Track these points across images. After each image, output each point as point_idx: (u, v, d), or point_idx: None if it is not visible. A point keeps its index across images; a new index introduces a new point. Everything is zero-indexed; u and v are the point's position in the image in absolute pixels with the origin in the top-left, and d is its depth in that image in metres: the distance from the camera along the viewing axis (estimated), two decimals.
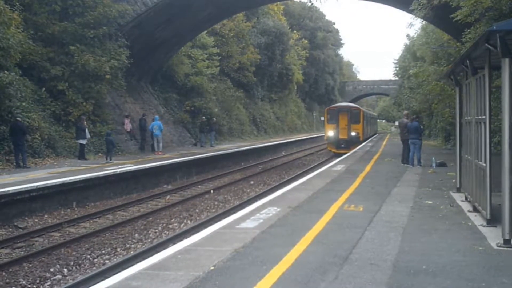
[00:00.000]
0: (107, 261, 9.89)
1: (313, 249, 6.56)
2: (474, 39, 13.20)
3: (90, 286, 6.22)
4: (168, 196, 17.39)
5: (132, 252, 10.29)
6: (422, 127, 19.50)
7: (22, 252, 10.39)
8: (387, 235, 7.39)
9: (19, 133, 16.84)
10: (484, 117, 7.64)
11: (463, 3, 15.02)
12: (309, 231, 7.58)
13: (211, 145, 30.16)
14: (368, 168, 17.38)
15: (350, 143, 32.32)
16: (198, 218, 13.90)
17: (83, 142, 20.02)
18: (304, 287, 5.13)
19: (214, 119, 31.95)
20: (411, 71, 36.65)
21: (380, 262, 5.98)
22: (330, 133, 33.30)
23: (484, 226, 7.84)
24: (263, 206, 9.86)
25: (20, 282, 8.66)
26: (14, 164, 16.99)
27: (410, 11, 20.30)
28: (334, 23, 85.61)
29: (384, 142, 37.46)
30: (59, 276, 9.00)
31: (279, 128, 54.25)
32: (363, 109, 38.93)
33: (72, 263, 9.74)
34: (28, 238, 11.33)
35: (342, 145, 32.32)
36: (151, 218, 13.75)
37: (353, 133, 33.09)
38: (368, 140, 39.38)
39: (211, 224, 9.87)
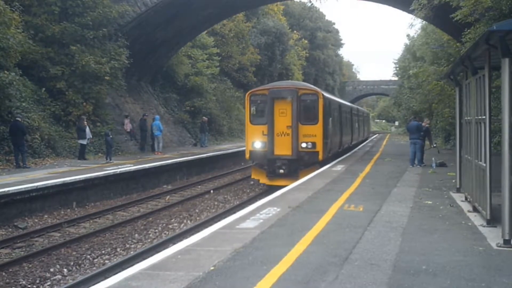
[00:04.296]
0: (107, 261, 9.90)
1: (313, 249, 6.56)
2: (474, 39, 13.24)
3: (90, 286, 6.22)
4: (168, 196, 17.39)
5: (132, 252, 10.30)
6: (428, 127, 19.37)
7: (22, 252, 10.40)
8: (387, 235, 7.38)
9: (19, 133, 16.83)
10: (484, 117, 7.64)
11: (463, 3, 15.03)
12: (309, 231, 7.58)
13: (205, 145, 29.61)
14: (368, 168, 17.37)
15: (299, 164, 17.37)
16: (198, 218, 13.90)
17: (83, 142, 20.01)
18: (305, 287, 5.13)
19: (205, 118, 30.64)
20: (411, 71, 36.67)
21: (380, 262, 5.98)
22: (257, 144, 17.64)
23: (484, 226, 7.84)
24: (263, 206, 9.85)
25: (20, 282, 8.67)
26: (14, 164, 16.98)
27: (410, 11, 20.28)
28: (334, 23, 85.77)
29: (384, 142, 37.44)
30: (59, 276, 9.01)
31: None
32: (324, 93, 19.41)
33: (72, 263, 9.75)
34: (28, 238, 11.34)
35: (282, 169, 17.19)
36: (151, 218, 13.76)
37: (304, 144, 17.32)
38: (344, 157, 21.85)
39: (211, 224, 9.87)
